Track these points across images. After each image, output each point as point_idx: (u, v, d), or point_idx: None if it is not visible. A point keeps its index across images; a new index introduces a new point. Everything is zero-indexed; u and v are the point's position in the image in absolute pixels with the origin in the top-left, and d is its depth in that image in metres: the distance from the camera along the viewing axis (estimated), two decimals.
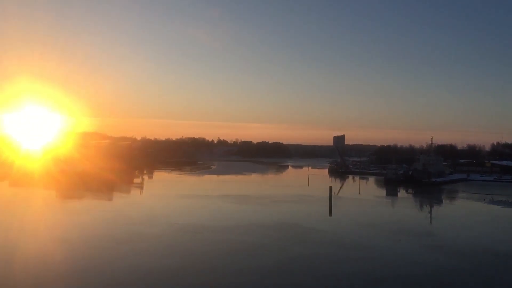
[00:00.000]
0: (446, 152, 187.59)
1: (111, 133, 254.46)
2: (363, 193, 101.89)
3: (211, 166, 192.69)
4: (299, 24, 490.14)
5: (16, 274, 33.50)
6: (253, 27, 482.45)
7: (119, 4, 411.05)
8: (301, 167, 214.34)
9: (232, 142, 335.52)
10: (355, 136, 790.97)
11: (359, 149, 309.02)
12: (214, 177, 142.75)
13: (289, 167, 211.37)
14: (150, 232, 49.49)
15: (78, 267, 34.83)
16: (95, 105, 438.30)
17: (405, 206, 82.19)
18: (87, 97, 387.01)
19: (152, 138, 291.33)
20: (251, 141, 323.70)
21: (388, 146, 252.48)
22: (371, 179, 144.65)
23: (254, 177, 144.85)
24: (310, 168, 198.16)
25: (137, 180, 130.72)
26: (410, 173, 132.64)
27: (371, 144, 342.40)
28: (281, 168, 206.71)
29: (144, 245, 43.39)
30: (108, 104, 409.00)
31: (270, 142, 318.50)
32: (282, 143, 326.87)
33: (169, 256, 39.55)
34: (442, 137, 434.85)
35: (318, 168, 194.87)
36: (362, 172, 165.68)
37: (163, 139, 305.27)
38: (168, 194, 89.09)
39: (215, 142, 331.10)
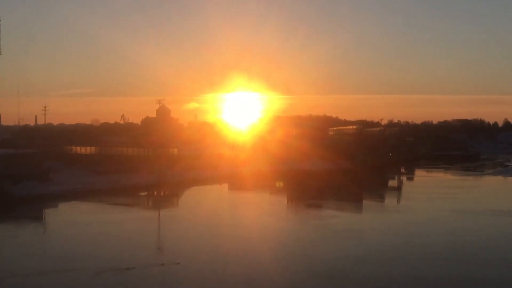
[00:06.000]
0: None
1: (340, 115, 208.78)
2: None
3: (506, 163, 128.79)
4: None
5: None
6: None
7: None
8: None
9: None
10: None
11: None
12: None
13: None
14: None
15: None
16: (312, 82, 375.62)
17: None
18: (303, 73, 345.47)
19: (397, 121, 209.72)
20: None
21: None
22: None
23: None
24: None
25: (393, 183, 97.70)
26: None
27: None
28: None
29: None
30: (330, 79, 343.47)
31: None
32: None
33: None
34: None
35: None
36: None
37: (419, 122, 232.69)
38: (467, 209, 57.41)
39: (500, 125, 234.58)
